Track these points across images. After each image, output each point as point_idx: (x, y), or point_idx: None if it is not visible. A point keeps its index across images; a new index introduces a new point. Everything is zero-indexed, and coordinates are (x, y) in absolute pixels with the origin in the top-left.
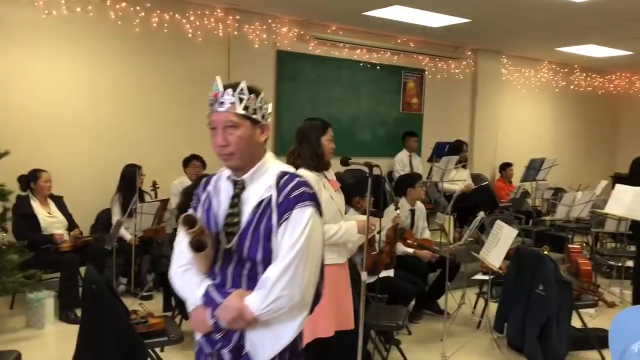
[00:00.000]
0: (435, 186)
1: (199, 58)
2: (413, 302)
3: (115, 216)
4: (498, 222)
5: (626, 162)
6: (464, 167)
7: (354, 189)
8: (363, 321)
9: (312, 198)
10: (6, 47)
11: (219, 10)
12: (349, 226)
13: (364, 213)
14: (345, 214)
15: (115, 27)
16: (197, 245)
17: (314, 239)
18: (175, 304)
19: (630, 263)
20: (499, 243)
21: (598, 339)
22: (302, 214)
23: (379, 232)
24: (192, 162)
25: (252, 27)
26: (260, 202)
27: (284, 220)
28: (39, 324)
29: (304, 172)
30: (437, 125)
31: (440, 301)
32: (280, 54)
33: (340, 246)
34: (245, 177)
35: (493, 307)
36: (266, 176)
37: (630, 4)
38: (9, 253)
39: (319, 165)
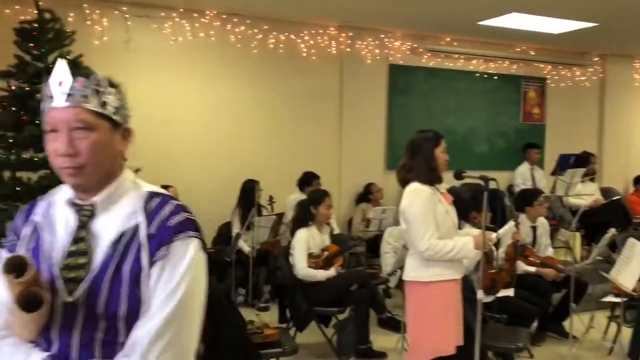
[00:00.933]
0: (559, 201)
1: (313, 76)
2: (535, 324)
3: (235, 229)
4: (630, 239)
5: None
6: (592, 180)
7: (470, 204)
8: (479, 341)
9: (196, 227)
10: (135, 73)
11: (332, 29)
12: (464, 242)
13: (480, 228)
14: (460, 229)
15: (234, 49)
16: (28, 302)
17: (199, 285)
18: (290, 316)
19: None
20: (632, 262)
21: None
22: (184, 249)
23: (495, 247)
24: (314, 182)
25: (365, 43)
26: (122, 235)
27: (160, 259)
28: None
29: (417, 186)
30: (561, 136)
31: (566, 324)
32: (392, 68)
33: (456, 262)
34: (96, 199)
35: (626, 332)
36: (127, 199)
37: None
38: None
39: (433, 179)
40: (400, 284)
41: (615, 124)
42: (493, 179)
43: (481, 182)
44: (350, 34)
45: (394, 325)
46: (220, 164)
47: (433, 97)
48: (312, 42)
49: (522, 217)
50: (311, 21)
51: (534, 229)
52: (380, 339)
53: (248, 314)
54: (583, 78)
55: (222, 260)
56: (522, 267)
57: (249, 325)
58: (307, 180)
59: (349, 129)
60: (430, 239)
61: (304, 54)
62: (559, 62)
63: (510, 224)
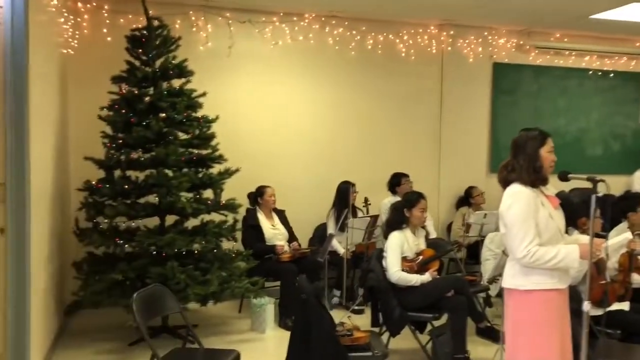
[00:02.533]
0: None
1: (412, 76)
2: None
3: (330, 230)
4: None
5: None
6: None
7: (579, 209)
8: (587, 357)
9: None
10: (238, 78)
11: (432, 27)
12: (568, 251)
13: (596, 236)
14: (567, 234)
15: (333, 51)
16: None
17: None
18: (382, 320)
19: None
20: None
21: None
22: None
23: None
24: (403, 181)
25: (467, 41)
26: None
27: None
28: (260, 328)
29: (518, 188)
30: None
31: None
32: (496, 67)
33: (561, 270)
34: None
35: None
36: None
37: None
38: (237, 260)
39: (536, 180)
40: (502, 292)
41: None
42: (603, 181)
43: (587, 185)
44: (452, 32)
45: (493, 335)
46: (319, 166)
47: (541, 96)
48: (411, 41)
49: (622, 225)
50: (410, 20)
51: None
52: (478, 350)
53: (342, 316)
54: None
55: (316, 260)
56: (638, 278)
57: (339, 327)
58: (396, 180)
59: (448, 131)
60: (529, 246)
61: (403, 54)
62: None
63: (625, 234)
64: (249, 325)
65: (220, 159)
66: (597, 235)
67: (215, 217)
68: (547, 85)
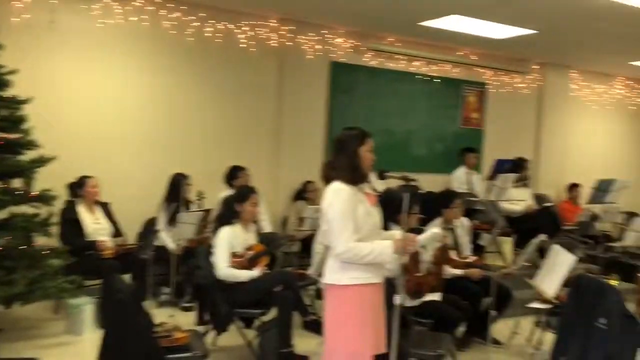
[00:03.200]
0: (493, 205)
1: (252, 68)
2: (463, 328)
3: (160, 224)
4: (555, 247)
5: None
6: (525, 185)
7: (398, 206)
8: (396, 348)
9: None
10: (60, 55)
11: (273, 21)
12: (383, 246)
13: (411, 231)
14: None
15: (168, 36)
16: None
17: None
18: (210, 318)
19: None
20: (555, 270)
21: None
22: None
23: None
24: (240, 174)
25: (306, 37)
26: None
27: None
28: (77, 330)
29: (338, 186)
30: (499, 142)
31: (493, 329)
32: (334, 65)
33: (376, 265)
34: None
35: (550, 338)
36: None
37: None
38: (51, 258)
39: (355, 178)
40: None
41: (551, 132)
42: (414, 180)
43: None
44: (292, 27)
45: (319, 328)
46: (152, 156)
47: (375, 97)
48: (251, 33)
49: (437, 221)
50: (251, 11)
51: (451, 230)
52: (304, 342)
53: (171, 313)
54: (522, 85)
55: (139, 257)
56: (450, 271)
57: (158, 328)
58: (233, 173)
59: (287, 126)
60: (348, 241)
61: (243, 46)
62: (500, 68)
63: (436, 228)
64: (64, 327)
65: (31, 144)
66: (413, 231)
67: (27, 209)
68: (380, 87)
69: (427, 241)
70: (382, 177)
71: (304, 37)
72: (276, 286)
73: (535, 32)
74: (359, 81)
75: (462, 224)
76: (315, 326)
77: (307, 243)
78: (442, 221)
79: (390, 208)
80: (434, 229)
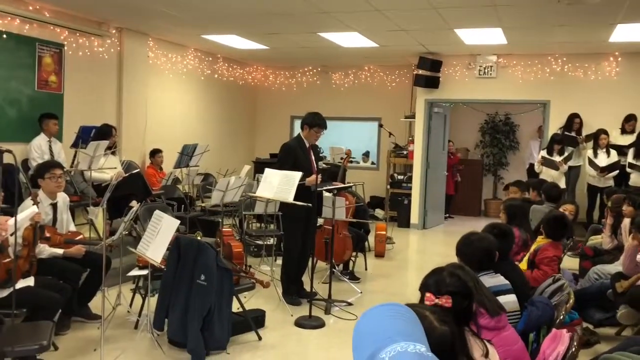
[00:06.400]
0: (81, 175)
1: None
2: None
3: None
4: (157, 212)
5: (264, 148)
6: (114, 153)
7: None
8: None
9: None
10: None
11: None
12: None
13: None
14: None
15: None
16: None
17: None
18: None
19: (273, 241)
20: (159, 235)
21: (255, 320)
22: None
23: (12, 234)
24: None
25: None
26: None
27: None
28: None
29: None
30: (81, 108)
31: (92, 304)
32: None
33: None
34: None
35: (153, 303)
36: None
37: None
38: None
39: None
40: None
41: (132, 99)
42: (9, 151)
43: None
44: None
45: None
46: None
47: None
48: None
49: (41, 195)
50: None
51: (54, 206)
52: None
53: None
54: (102, 49)
55: None
56: (48, 250)
57: None
58: None
59: None
60: None
61: None
62: (77, 29)
63: (32, 207)
64: None
65: None
66: (2, 211)
67: None
68: None
69: (23, 222)
70: None
71: None
72: None
73: None
74: None
75: (64, 199)
76: None
77: None
78: (41, 195)
79: None
80: (30, 209)
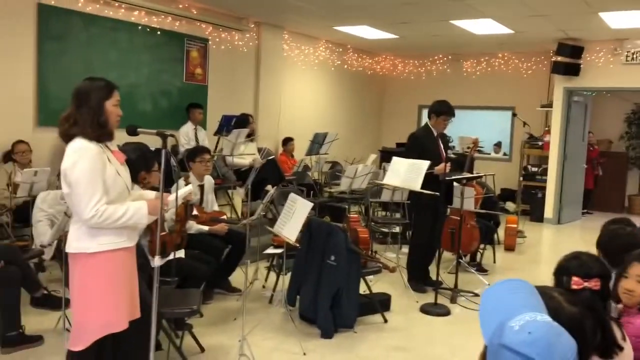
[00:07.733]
0: (223, 160)
1: None
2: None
3: None
4: (292, 195)
5: (390, 138)
6: (252, 140)
7: (139, 164)
8: (156, 311)
9: None
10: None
11: None
12: (137, 207)
13: (152, 189)
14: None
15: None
16: None
17: None
18: None
19: (398, 229)
20: (294, 216)
21: (381, 303)
22: None
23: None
24: None
25: None
26: None
27: None
28: None
29: (82, 144)
30: (222, 98)
31: (233, 278)
32: (42, 8)
33: (130, 228)
34: None
35: (286, 280)
36: None
37: None
38: None
39: (101, 135)
40: (57, 255)
41: (268, 90)
42: (172, 135)
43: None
44: None
45: (52, 303)
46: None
47: (92, 47)
48: None
49: (191, 177)
50: None
51: (201, 187)
52: (35, 321)
53: None
54: (241, 43)
55: None
56: (196, 226)
57: None
58: None
59: None
60: (97, 205)
61: None
62: (220, 24)
63: (188, 186)
64: None
65: None
66: (156, 189)
67: None
68: (98, 36)
69: (180, 200)
70: (133, 133)
71: None
72: None
73: None
74: (73, 28)
75: (209, 181)
76: (47, 302)
77: (22, 211)
78: (191, 177)
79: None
80: (187, 187)
